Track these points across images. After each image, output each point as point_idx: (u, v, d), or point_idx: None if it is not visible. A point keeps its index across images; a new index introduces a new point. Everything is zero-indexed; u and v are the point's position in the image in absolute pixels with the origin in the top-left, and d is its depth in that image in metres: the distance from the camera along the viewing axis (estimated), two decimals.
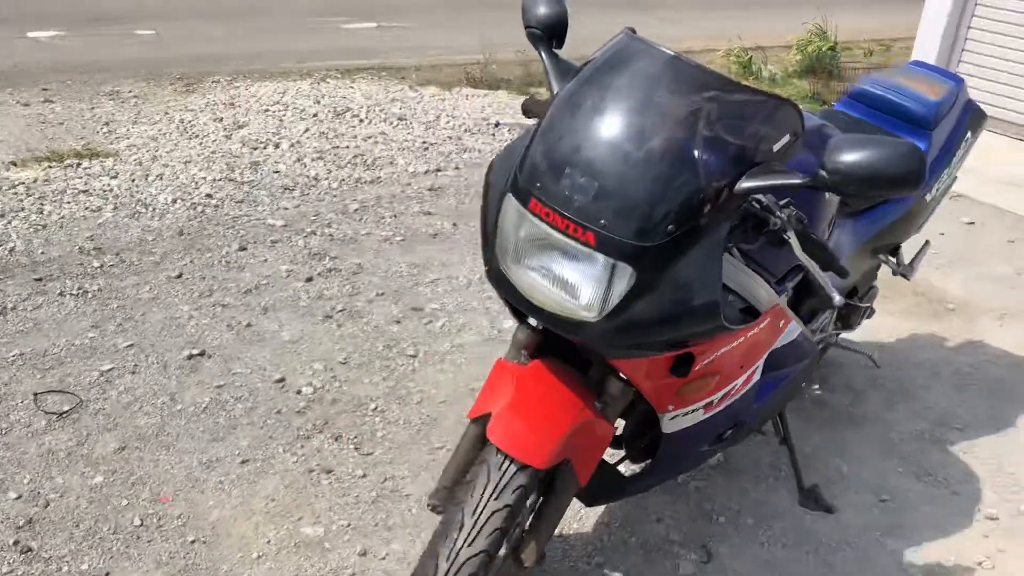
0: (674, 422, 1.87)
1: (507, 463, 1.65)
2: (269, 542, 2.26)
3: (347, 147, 4.94)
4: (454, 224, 4.10)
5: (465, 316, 3.32)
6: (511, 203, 1.66)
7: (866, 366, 3.10)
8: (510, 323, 3.26)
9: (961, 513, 2.52)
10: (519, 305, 1.70)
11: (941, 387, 3.10)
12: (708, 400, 1.87)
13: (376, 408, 2.77)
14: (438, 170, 4.75)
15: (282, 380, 2.87)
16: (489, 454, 1.69)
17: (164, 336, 3.05)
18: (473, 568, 1.61)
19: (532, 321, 1.85)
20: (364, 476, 2.49)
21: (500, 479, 1.64)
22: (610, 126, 1.58)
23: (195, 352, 2.97)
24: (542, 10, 1.89)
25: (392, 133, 5.25)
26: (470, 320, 3.30)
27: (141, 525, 2.28)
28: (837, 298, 1.82)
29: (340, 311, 3.29)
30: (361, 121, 5.44)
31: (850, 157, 1.47)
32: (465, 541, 1.61)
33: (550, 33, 1.89)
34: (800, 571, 2.28)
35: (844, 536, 2.40)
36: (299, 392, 2.82)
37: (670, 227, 1.52)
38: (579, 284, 1.58)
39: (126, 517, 2.30)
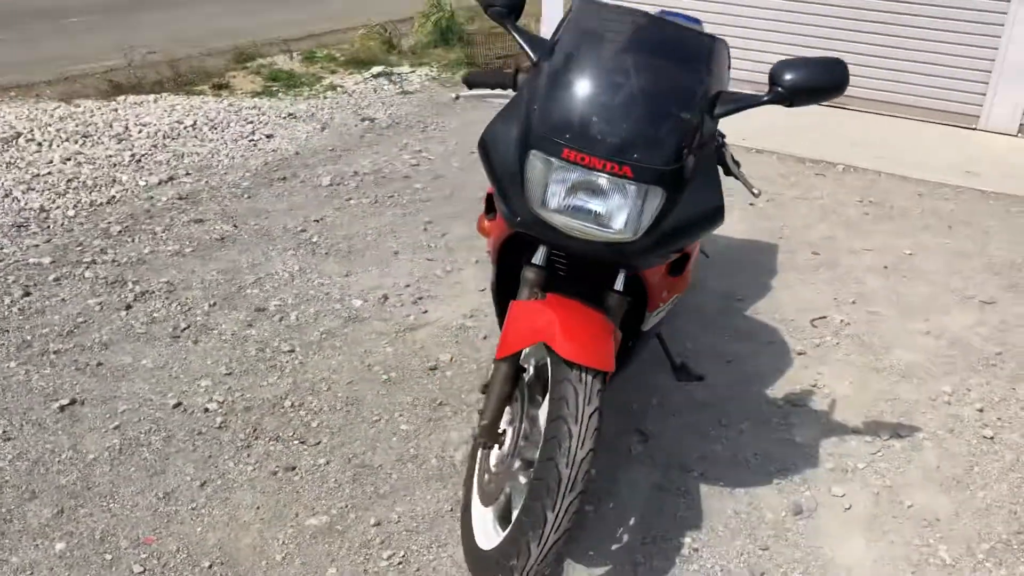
0: (653, 318, 2.28)
1: (585, 374, 1.93)
2: (283, 543, 2.29)
3: (50, 173, 4.54)
4: (234, 225, 4.05)
5: (312, 305, 3.39)
6: (537, 157, 1.92)
7: None
8: (359, 302, 3.41)
9: (782, 354, 3.25)
10: (555, 242, 1.97)
11: (713, 273, 3.84)
12: (675, 295, 2.30)
13: (293, 404, 2.82)
14: (171, 179, 4.58)
15: (179, 404, 2.78)
16: (563, 372, 1.94)
17: (14, 398, 2.76)
18: (588, 466, 1.89)
19: (538, 260, 2.11)
20: (328, 463, 2.58)
21: (586, 388, 1.92)
22: (618, 78, 1.92)
23: (64, 403, 2.75)
24: None
25: (90, 152, 4.89)
26: (320, 307, 3.38)
27: (144, 572, 2.18)
28: (757, 190, 2.33)
29: (185, 329, 3.19)
30: (41, 145, 4.97)
31: (799, 76, 1.96)
32: (578, 445, 1.88)
33: (511, 9, 2.14)
34: (707, 424, 2.82)
35: (719, 392, 3.00)
36: (206, 410, 2.76)
37: (684, 151, 1.91)
38: (614, 212, 1.90)
39: (121, 571, 2.18)
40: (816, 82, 1.96)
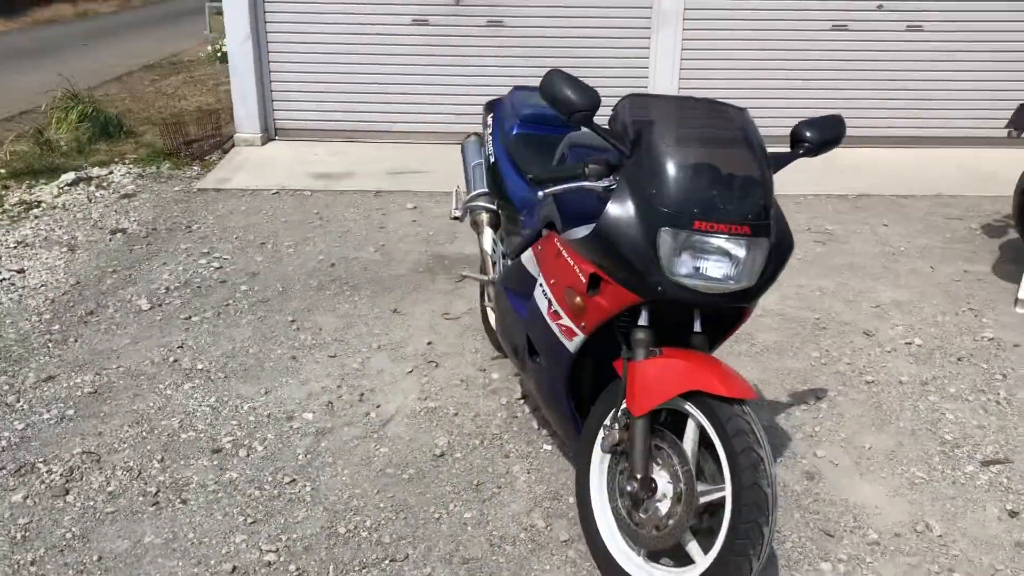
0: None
1: (745, 406, 2.28)
2: None
3: None
4: (95, 374, 3.64)
5: (265, 431, 3.24)
6: (667, 233, 2.23)
7: None
8: (310, 414, 3.33)
9: None
10: (689, 301, 2.28)
11: None
12: None
13: (348, 529, 2.75)
14: None
15: (235, 568, 2.59)
16: (728, 410, 2.24)
17: None
18: (773, 477, 2.24)
19: (644, 321, 2.41)
20: (433, 571, 2.60)
21: (751, 417, 2.26)
22: (710, 155, 2.28)
23: None
24: (585, 99, 2.36)
25: None
26: (277, 431, 3.24)
27: None
28: None
29: (157, 493, 2.90)
30: None
31: (821, 133, 2.48)
32: (769, 465, 2.22)
33: (592, 112, 2.39)
34: None
35: None
36: (269, 564, 2.60)
37: (770, 205, 2.34)
38: (741, 266, 2.26)
39: None
40: (831, 135, 2.50)
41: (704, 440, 2.34)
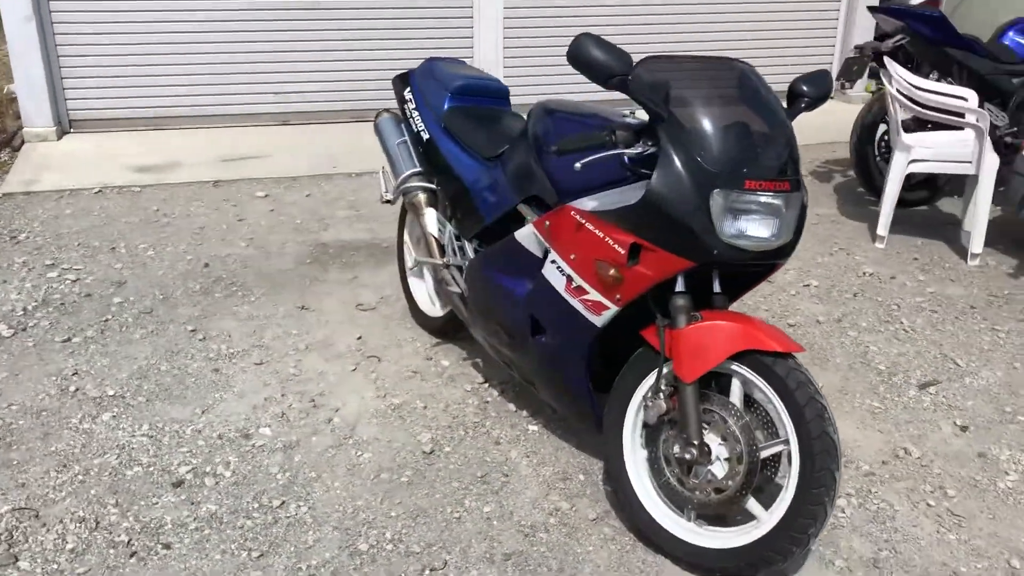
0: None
1: (795, 359, 2.32)
2: None
3: None
4: None
5: (223, 455, 2.90)
6: (719, 195, 2.22)
7: None
8: (267, 429, 3.05)
9: None
10: (733, 259, 2.27)
11: None
12: None
13: (371, 546, 2.54)
14: None
15: None
16: (783, 365, 2.28)
17: None
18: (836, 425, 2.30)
19: (681, 287, 2.39)
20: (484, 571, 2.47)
21: (803, 369, 2.32)
22: (743, 113, 2.29)
23: None
24: (621, 62, 2.26)
25: None
26: (235, 452, 2.92)
27: None
28: None
29: (131, 544, 2.54)
30: None
31: (818, 88, 2.54)
32: (831, 413, 2.28)
33: (628, 75, 2.29)
34: None
35: None
36: None
37: (798, 161, 2.38)
38: (776, 222, 2.28)
39: None
40: (825, 90, 2.58)
41: (746, 399, 2.37)
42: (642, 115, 2.47)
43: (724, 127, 2.23)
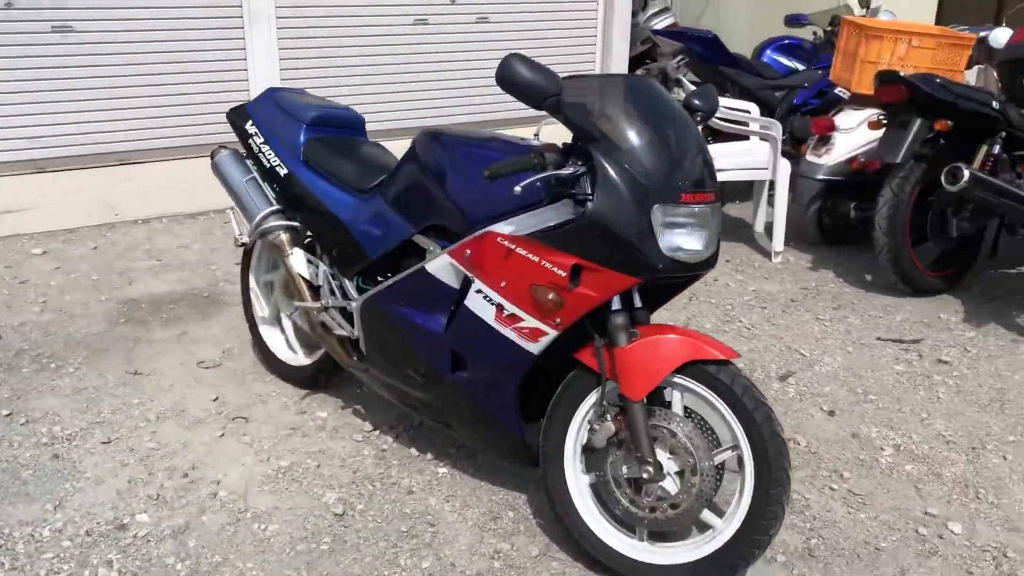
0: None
1: (736, 366, 2.37)
2: None
3: None
4: None
5: (104, 547, 2.52)
6: (658, 210, 2.22)
7: None
8: (144, 517, 2.67)
9: None
10: (672, 273, 2.27)
11: None
12: None
13: None
14: None
15: None
16: (727, 372, 2.31)
17: None
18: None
19: (617, 305, 2.36)
20: None
21: (747, 375, 2.37)
22: (670, 129, 2.30)
23: None
24: (553, 82, 2.19)
25: None
26: (132, 539, 2.54)
27: None
28: None
29: None
30: None
31: (708, 103, 2.61)
32: (775, 414, 2.34)
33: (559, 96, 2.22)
34: None
35: None
36: None
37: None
38: (706, 233, 2.32)
39: None
40: (714, 104, 2.66)
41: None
42: (542, 138, 2.44)
43: (654, 143, 2.23)
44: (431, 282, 2.58)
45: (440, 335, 2.57)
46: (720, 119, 4.87)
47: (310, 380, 3.32)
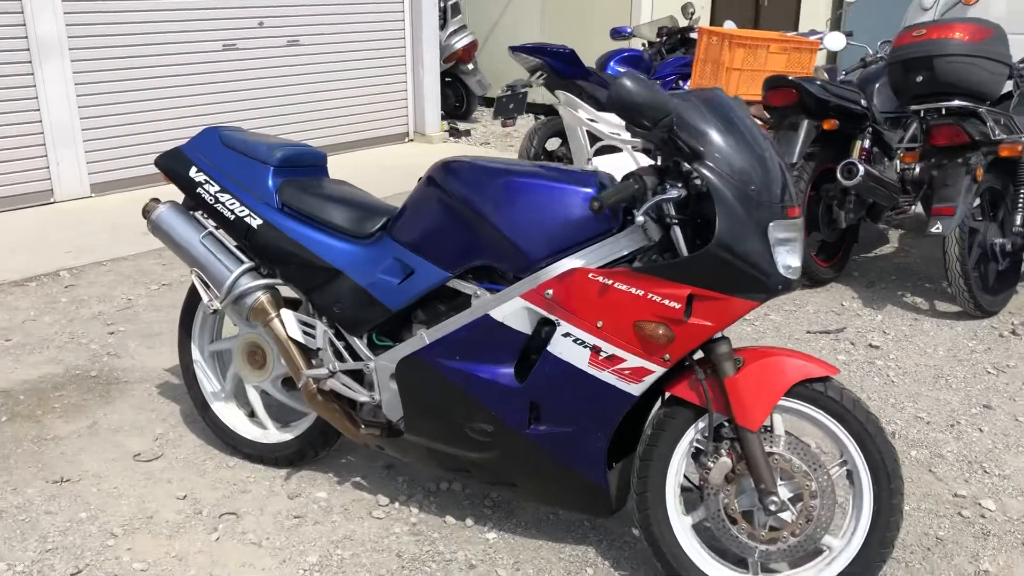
0: None
1: (836, 381, 2.30)
2: None
3: None
4: None
5: None
6: (773, 228, 2.13)
7: None
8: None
9: None
10: (784, 293, 2.20)
11: None
12: None
13: None
14: None
15: None
16: (832, 390, 2.22)
17: None
18: None
19: (720, 333, 2.25)
20: None
21: (846, 388, 2.32)
22: (758, 141, 2.21)
23: None
24: (668, 104, 2.01)
25: None
26: None
27: None
28: None
29: None
30: None
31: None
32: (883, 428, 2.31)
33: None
34: None
35: None
36: None
37: None
38: (801, 248, 2.26)
39: None
40: None
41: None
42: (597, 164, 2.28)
43: (758, 158, 2.14)
44: (498, 330, 2.32)
45: (513, 388, 2.32)
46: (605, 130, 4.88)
47: (293, 457, 2.90)
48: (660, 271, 2.13)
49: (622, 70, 6.25)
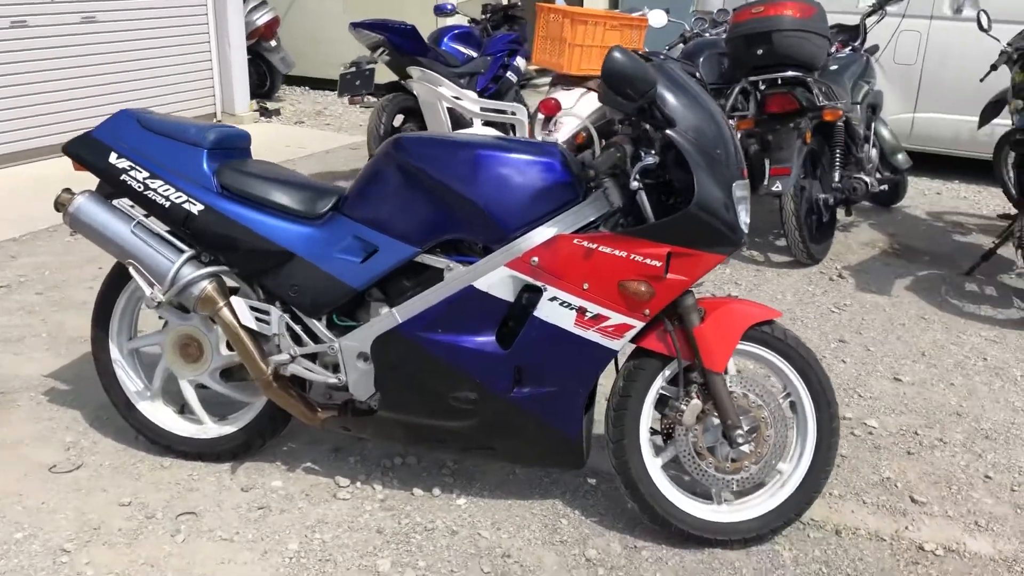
0: None
1: (777, 323, 2.59)
2: None
3: None
4: None
5: None
6: (736, 187, 2.36)
7: None
8: None
9: None
10: (741, 247, 2.43)
11: None
12: None
13: None
14: None
15: None
16: (776, 331, 2.48)
17: None
18: None
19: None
20: None
21: (785, 328, 2.60)
22: (716, 111, 2.41)
23: None
24: (652, 75, 2.14)
25: None
26: None
27: None
28: None
29: None
30: None
31: None
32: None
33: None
34: None
35: None
36: None
37: None
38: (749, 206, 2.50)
39: None
40: None
41: None
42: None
43: (715, 123, 2.34)
44: (481, 299, 2.39)
45: (498, 355, 2.41)
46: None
47: (239, 449, 2.81)
48: (641, 232, 2.29)
49: (457, 47, 6.34)
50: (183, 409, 2.88)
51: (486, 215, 2.37)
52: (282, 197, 2.56)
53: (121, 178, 2.59)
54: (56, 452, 2.89)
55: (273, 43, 9.13)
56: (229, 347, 2.70)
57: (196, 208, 2.55)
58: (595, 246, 2.31)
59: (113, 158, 2.60)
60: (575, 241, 2.32)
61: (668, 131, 2.26)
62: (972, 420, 3.31)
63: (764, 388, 2.53)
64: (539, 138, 5.22)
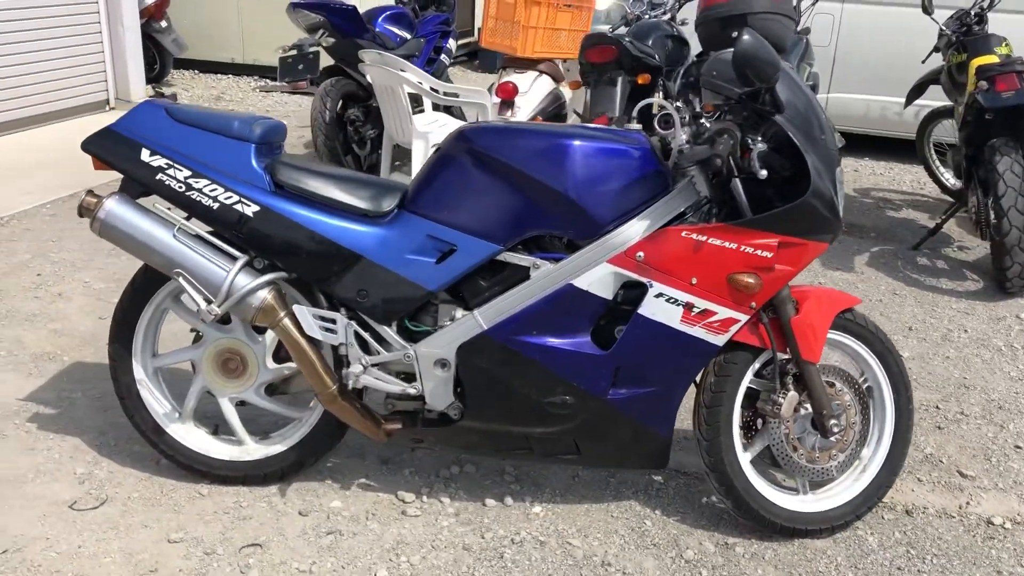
0: None
1: (856, 311, 2.57)
2: None
3: None
4: None
5: None
6: (839, 172, 2.33)
7: None
8: None
9: None
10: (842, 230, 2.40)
11: None
12: None
13: None
14: None
15: None
16: (858, 317, 2.48)
17: None
18: None
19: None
20: None
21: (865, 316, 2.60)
22: (808, 93, 2.36)
23: None
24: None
25: None
26: None
27: None
28: None
29: None
30: None
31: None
32: None
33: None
34: None
35: None
36: None
37: None
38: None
39: None
40: None
41: None
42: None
43: (812, 106, 2.30)
44: (581, 298, 2.27)
45: (597, 356, 2.29)
46: (434, 90, 4.78)
47: (288, 470, 2.58)
48: (752, 223, 2.22)
49: (392, 28, 6.08)
50: (216, 430, 2.61)
51: (579, 208, 2.24)
52: (344, 195, 2.35)
53: (157, 177, 2.31)
54: (70, 487, 2.58)
55: (164, 24, 8.53)
56: (275, 359, 2.46)
57: (251, 209, 2.30)
58: (705, 238, 2.22)
59: (146, 155, 2.32)
60: (683, 234, 2.22)
61: (777, 117, 2.19)
62: (981, 392, 3.43)
63: (846, 375, 2.52)
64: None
